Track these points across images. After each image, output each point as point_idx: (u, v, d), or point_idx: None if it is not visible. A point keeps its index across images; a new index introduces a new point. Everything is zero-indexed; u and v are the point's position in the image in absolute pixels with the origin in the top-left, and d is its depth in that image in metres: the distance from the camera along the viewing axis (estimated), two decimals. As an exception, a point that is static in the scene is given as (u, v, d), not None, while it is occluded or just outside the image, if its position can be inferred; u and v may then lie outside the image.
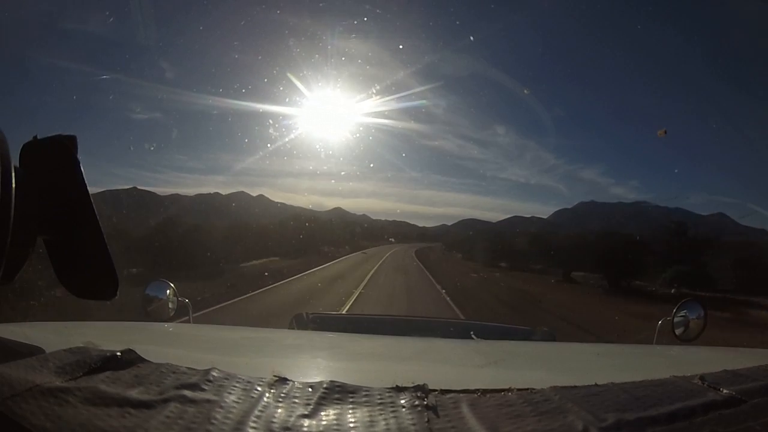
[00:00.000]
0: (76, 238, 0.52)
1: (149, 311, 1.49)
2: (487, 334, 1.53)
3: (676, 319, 1.43)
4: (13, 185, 0.42)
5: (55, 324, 1.19)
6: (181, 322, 1.58)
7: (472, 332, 1.41)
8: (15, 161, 0.44)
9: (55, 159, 0.51)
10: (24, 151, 0.50)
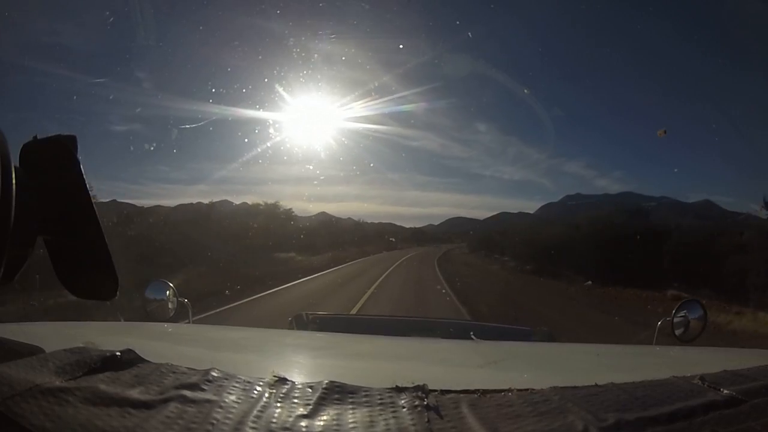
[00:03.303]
0: (76, 238, 0.52)
1: (149, 311, 1.49)
2: (486, 334, 1.53)
3: (675, 320, 1.43)
4: (13, 185, 0.42)
5: (55, 324, 1.19)
6: (180, 322, 1.58)
7: (471, 333, 1.41)
8: (15, 161, 0.44)
9: (55, 159, 0.51)
10: (24, 151, 0.50)
